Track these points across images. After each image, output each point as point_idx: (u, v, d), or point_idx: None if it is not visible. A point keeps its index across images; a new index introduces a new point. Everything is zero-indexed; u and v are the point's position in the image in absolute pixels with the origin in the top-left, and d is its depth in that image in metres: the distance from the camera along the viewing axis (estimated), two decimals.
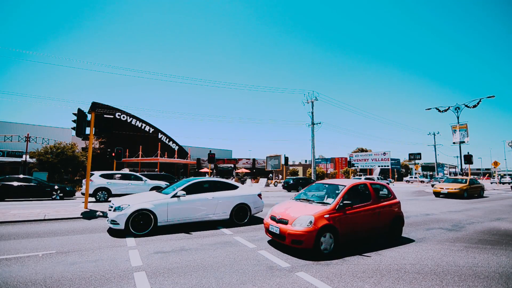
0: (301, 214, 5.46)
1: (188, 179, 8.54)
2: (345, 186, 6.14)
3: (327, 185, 6.79)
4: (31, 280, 3.98)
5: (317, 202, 5.98)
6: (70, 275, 4.18)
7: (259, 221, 8.83)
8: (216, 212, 7.97)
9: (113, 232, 6.99)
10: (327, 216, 5.37)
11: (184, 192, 7.54)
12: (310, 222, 5.23)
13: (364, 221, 5.97)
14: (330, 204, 5.67)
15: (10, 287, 3.76)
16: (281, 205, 6.42)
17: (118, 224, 6.70)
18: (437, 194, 19.66)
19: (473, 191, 19.34)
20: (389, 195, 6.90)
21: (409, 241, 6.62)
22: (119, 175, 15.55)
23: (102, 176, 14.97)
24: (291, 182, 25.02)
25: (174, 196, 7.43)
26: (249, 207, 8.54)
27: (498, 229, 8.18)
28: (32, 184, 14.73)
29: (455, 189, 18.46)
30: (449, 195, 18.71)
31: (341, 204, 5.65)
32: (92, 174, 15.04)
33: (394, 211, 6.65)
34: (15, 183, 14.40)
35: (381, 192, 6.91)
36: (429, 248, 6.01)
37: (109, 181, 14.69)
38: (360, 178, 28.56)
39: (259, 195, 9.01)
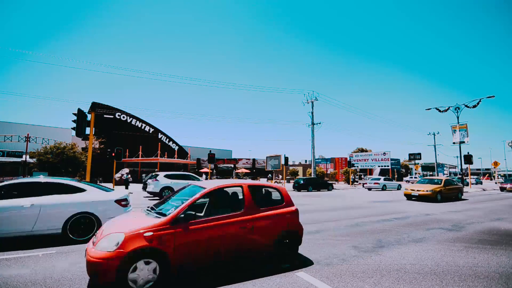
0: (115, 230, 3.75)
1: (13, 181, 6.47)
2: (203, 189, 4.46)
3: (196, 188, 4.81)
4: (31, 280, 3.98)
5: (156, 212, 4.20)
6: (70, 275, 4.18)
7: None
8: (37, 224, 5.80)
9: None
10: (150, 234, 3.62)
11: None
12: (117, 243, 3.51)
13: (225, 240, 4.21)
14: (166, 216, 3.94)
15: (10, 287, 3.77)
16: (121, 216, 4.96)
17: None
18: (408, 196, 17.15)
19: (449, 194, 17.00)
20: (282, 201, 5.08)
21: (305, 263, 4.82)
22: (180, 175, 16.83)
23: (166, 176, 15.94)
24: (302, 182, 26.41)
25: None
26: (97, 218, 6.29)
27: (498, 229, 8.18)
28: None
29: (426, 191, 16.04)
30: (421, 198, 16.32)
31: (182, 215, 3.91)
32: (157, 175, 15.87)
33: (282, 223, 4.83)
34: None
35: (273, 196, 5.29)
36: (429, 248, 6.01)
37: (173, 181, 15.51)
38: (379, 179, 28.12)
39: (120, 201, 6.74)
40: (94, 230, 6.31)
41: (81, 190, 6.56)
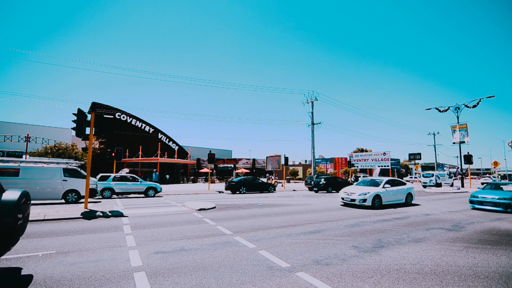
0: None
1: None
2: None
3: None
4: (32, 280, 3.98)
5: None
6: (70, 275, 4.18)
7: None
8: None
9: (113, 232, 6.98)
10: None
11: None
12: None
13: None
14: None
15: (10, 287, 3.76)
16: None
17: None
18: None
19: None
20: None
21: None
22: None
23: None
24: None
25: None
26: None
27: (498, 229, 8.18)
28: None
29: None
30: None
31: None
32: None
33: None
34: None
35: None
36: (429, 248, 6.01)
37: None
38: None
39: None
40: None
41: None
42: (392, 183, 14.11)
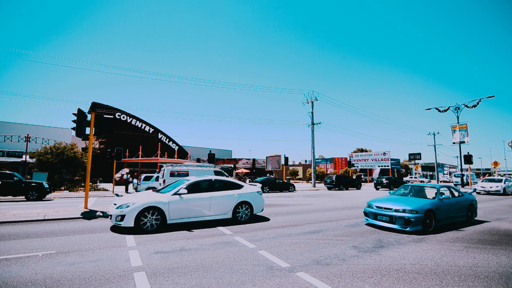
0: None
1: None
2: None
3: None
4: (31, 280, 3.98)
5: None
6: (70, 275, 4.18)
7: None
8: None
9: (113, 232, 6.97)
10: None
11: None
12: None
13: None
14: None
15: (10, 287, 3.76)
16: None
17: None
18: None
19: None
20: None
21: None
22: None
23: None
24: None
25: None
26: None
27: (498, 229, 8.18)
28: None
29: None
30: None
31: None
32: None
33: None
34: None
35: None
36: (429, 248, 6.01)
37: None
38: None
39: None
40: None
41: None
42: (199, 186, 8.34)
